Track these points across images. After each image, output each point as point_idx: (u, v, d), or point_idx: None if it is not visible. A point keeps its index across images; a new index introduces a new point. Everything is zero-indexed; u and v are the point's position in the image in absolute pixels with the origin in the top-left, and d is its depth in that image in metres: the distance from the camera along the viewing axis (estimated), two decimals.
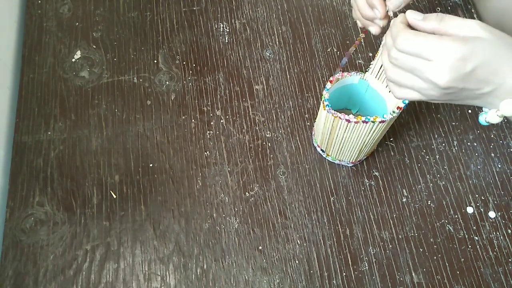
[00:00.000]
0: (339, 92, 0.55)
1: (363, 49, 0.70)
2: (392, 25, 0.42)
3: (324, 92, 0.51)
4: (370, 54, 0.69)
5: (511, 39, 0.39)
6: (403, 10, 0.45)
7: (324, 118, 0.52)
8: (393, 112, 0.49)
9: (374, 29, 0.52)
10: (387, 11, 0.50)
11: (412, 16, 0.42)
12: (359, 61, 0.69)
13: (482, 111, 0.42)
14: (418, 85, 0.40)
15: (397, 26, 0.41)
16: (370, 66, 0.52)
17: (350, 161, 0.60)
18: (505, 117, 0.40)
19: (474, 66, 0.37)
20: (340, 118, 0.49)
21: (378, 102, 0.55)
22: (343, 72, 0.53)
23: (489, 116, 0.40)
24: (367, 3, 0.51)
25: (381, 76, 0.52)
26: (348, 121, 0.49)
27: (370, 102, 0.56)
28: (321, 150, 0.61)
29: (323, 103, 0.51)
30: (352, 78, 0.54)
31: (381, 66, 0.50)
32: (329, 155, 0.61)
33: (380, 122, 0.49)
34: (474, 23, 0.38)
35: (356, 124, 0.49)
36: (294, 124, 0.65)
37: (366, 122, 0.49)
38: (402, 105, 0.48)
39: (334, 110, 0.50)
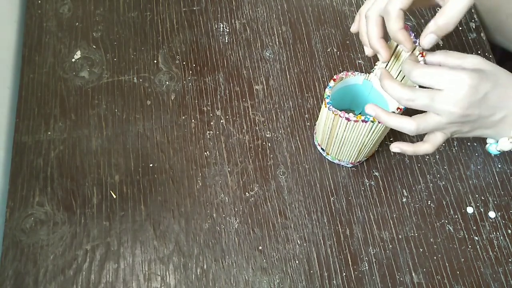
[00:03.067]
0: (343, 92, 0.55)
1: (363, 49, 0.70)
2: (403, 63, 0.45)
3: (327, 90, 0.51)
4: None
5: (508, 72, 0.43)
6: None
7: (325, 116, 0.53)
8: (393, 113, 0.49)
9: (385, 56, 0.47)
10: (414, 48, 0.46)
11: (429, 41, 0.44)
12: (359, 61, 0.69)
13: (487, 143, 0.45)
14: (438, 120, 0.43)
15: (409, 63, 0.44)
16: (375, 67, 0.52)
17: (350, 161, 0.60)
18: None
19: (485, 92, 0.41)
20: (340, 116, 0.49)
21: (381, 104, 0.55)
22: (347, 71, 0.53)
23: (501, 144, 0.44)
24: (392, 36, 0.45)
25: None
26: (348, 119, 0.49)
27: (373, 103, 0.56)
28: (322, 148, 0.61)
29: (324, 100, 0.51)
30: (356, 79, 0.54)
31: (386, 65, 0.50)
32: (329, 154, 0.61)
33: (379, 122, 0.49)
34: (476, 57, 0.43)
35: (355, 123, 0.49)
36: (294, 124, 0.65)
37: (366, 122, 0.49)
38: (402, 107, 0.48)
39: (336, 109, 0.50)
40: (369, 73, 0.53)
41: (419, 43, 0.45)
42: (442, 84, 0.41)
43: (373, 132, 0.51)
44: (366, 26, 0.48)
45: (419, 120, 0.44)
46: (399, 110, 0.48)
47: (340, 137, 0.54)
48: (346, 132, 0.52)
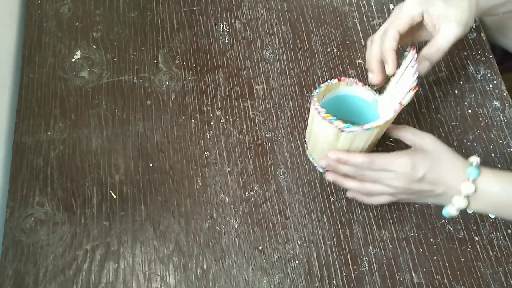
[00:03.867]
0: (342, 100, 0.54)
1: (363, 48, 0.70)
2: (353, 157, 0.50)
3: (315, 91, 0.51)
4: None
5: (451, 152, 0.50)
6: None
7: (311, 118, 0.52)
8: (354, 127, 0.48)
9: (376, 79, 0.55)
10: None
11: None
12: (359, 61, 0.69)
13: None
14: (386, 190, 0.51)
15: (358, 158, 0.50)
16: (386, 88, 0.52)
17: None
18: (461, 210, 0.49)
19: (424, 172, 0.48)
20: (317, 110, 0.48)
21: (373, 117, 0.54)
22: (358, 81, 0.53)
23: (448, 210, 0.50)
24: (382, 53, 0.53)
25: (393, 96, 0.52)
26: (318, 112, 0.48)
27: (365, 118, 0.55)
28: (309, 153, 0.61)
29: (312, 99, 0.50)
30: (363, 92, 0.53)
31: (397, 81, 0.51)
32: (308, 149, 0.60)
33: (343, 131, 0.47)
34: (429, 136, 0.51)
35: (324, 120, 0.48)
36: (294, 124, 0.65)
37: (331, 123, 0.48)
38: (404, 102, 0.48)
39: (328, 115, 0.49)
40: (378, 92, 0.53)
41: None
42: (390, 168, 0.49)
43: (341, 140, 0.50)
44: (370, 49, 0.55)
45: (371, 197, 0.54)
46: (400, 106, 0.48)
47: (315, 135, 0.53)
48: (317, 127, 0.51)
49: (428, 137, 0.51)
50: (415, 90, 0.48)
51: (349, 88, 0.53)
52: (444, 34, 0.52)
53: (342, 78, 0.52)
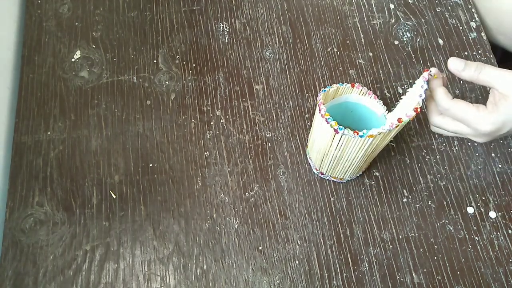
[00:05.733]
0: (352, 107, 0.54)
1: (363, 48, 0.70)
2: (433, 88, 0.49)
3: (320, 94, 0.50)
4: (371, 54, 0.69)
5: None
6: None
7: (315, 121, 0.52)
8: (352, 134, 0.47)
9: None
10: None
11: (454, 66, 0.49)
12: (359, 61, 0.69)
13: None
14: (464, 130, 0.50)
15: (438, 92, 0.48)
16: (397, 105, 0.52)
17: (331, 175, 0.59)
18: None
19: (507, 131, 0.48)
20: (319, 107, 0.48)
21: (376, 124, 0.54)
22: (370, 91, 0.52)
23: None
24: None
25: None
26: (319, 109, 0.48)
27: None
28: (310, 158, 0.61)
29: (318, 103, 0.50)
30: (374, 104, 0.52)
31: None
32: (308, 151, 0.60)
33: (336, 132, 0.47)
34: (510, 77, 0.47)
35: (322, 118, 0.48)
36: (294, 124, 0.65)
37: (328, 123, 0.48)
38: (418, 106, 0.47)
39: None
40: (388, 109, 0.53)
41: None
42: (468, 123, 0.48)
43: (342, 145, 0.50)
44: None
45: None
46: (398, 121, 0.48)
47: (314, 132, 0.53)
48: (318, 131, 0.51)
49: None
50: (417, 111, 0.47)
51: (361, 97, 0.53)
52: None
53: (356, 84, 0.52)
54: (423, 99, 0.47)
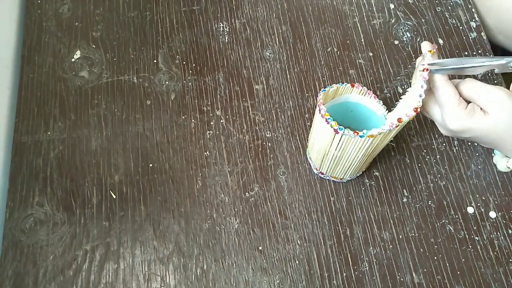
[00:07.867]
0: (352, 107, 0.54)
1: (363, 48, 0.70)
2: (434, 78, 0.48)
3: (320, 94, 0.50)
4: (371, 54, 0.69)
5: None
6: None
7: (316, 121, 0.52)
8: (353, 133, 0.47)
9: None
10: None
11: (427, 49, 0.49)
12: (360, 60, 0.69)
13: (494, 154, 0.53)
14: (435, 115, 0.50)
15: (438, 79, 0.48)
16: (397, 105, 0.51)
17: (331, 175, 0.59)
18: None
19: (469, 137, 0.49)
20: (319, 107, 0.48)
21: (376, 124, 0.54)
22: (370, 90, 0.52)
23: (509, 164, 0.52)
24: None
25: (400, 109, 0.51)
26: (319, 109, 0.48)
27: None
28: (310, 158, 0.61)
29: (318, 105, 0.50)
30: (374, 104, 0.52)
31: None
32: (307, 150, 0.60)
33: (336, 132, 0.47)
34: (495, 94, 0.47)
35: (322, 118, 0.48)
36: (294, 124, 0.65)
37: (328, 123, 0.48)
38: (418, 106, 0.48)
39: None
40: (388, 110, 0.52)
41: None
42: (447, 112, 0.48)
43: (342, 144, 0.49)
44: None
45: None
46: (398, 121, 0.47)
47: (314, 132, 0.53)
48: (318, 128, 0.51)
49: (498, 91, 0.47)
50: (417, 111, 0.47)
51: (361, 97, 0.53)
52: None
53: (356, 84, 0.52)
54: (423, 99, 0.47)
